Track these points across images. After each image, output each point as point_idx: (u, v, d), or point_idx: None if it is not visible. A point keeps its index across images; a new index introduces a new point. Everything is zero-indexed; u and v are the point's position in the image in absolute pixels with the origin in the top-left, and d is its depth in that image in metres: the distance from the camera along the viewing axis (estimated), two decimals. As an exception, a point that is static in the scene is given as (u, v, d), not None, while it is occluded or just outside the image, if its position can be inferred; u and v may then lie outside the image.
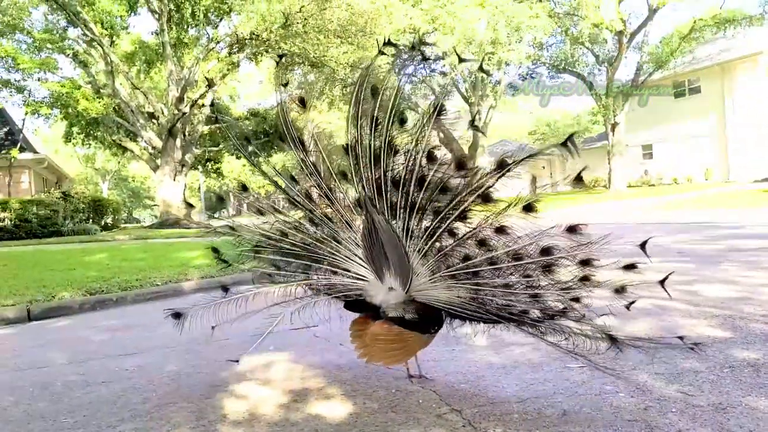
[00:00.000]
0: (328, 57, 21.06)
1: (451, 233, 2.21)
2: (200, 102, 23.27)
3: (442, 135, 21.82)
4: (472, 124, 2.41)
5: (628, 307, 2.13)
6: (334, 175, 2.47)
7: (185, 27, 23.89)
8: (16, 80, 22.17)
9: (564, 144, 1.82)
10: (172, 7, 22.25)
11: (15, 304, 5.27)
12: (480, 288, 2.16)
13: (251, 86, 41.78)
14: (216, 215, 3.24)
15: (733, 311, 3.32)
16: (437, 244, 2.22)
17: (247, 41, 21.45)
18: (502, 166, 2.01)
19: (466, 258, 2.17)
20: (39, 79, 22.44)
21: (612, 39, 27.17)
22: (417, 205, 2.21)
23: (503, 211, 2.08)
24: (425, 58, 2.35)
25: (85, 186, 47.37)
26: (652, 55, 26.98)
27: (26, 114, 23.59)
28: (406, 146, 2.22)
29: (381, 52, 2.31)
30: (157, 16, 22.19)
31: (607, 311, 2.17)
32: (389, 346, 2.28)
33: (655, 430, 1.84)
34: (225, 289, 2.64)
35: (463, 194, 2.11)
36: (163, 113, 23.08)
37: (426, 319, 2.29)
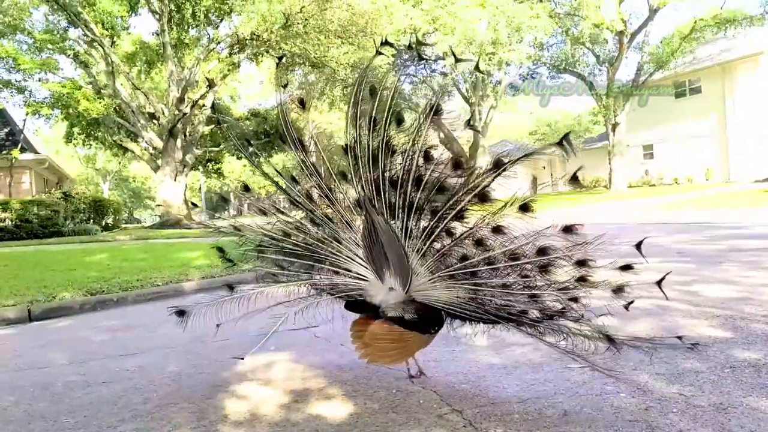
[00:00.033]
0: (329, 57, 21.08)
1: (449, 233, 2.21)
2: (201, 102, 23.29)
3: (442, 135, 21.82)
4: (469, 124, 2.42)
5: (626, 307, 2.13)
6: (333, 176, 2.48)
7: (186, 27, 23.92)
8: (17, 81, 22.23)
9: (560, 143, 1.83)
10: (172, 7, 22.26)
11: (16, 304, 5.28)
12: (479, 288, 2.16)
13: (252, 86, 41.80)
14: (217, 215, 3.25)
15: (733, 311, 3.32)
16: (436, 245, 2.22)
17: (247, 42, 21.46)
18: (498, 166, 2.01)
19: (464, 258, 2.17)
20: (40, 80, 22.49)
21: (612, 39, 27.15)
22: (415, 205, 2.21)
23: (499, 210, 2.08)
24: (422, 58, 2.35)
25: (86, 186, 47.45)
26: (652, 55, 26.96)
27: (27, 114, 23.64)
28: (404, 146, 2.23)
29: (378, 53, 2.32)
30: (157, 16, 22.21)
31: (606, 311, 2.17)
32: (389, 346, 2.28)
33: (656, 430, 1.84)
34: (230, 287, 2.65)
35: (460, 194, 2.12)
36: (163, 114, 23.10)
37: (426, 319, 2.29)
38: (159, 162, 23.29)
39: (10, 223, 16.25)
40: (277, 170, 2.70)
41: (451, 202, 2.13)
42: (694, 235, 8.17)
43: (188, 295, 5.84)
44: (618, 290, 2.07)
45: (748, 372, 2.30)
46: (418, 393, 2.35)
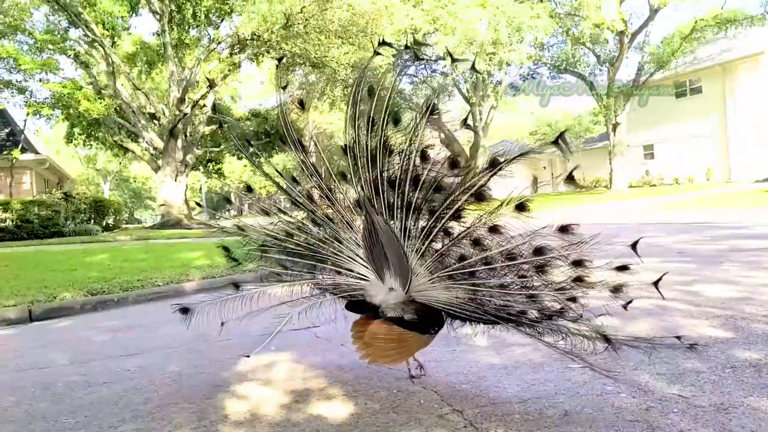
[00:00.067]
0: (329, 57, 21.08)
1: (447, 233, 2.22)
2: (201, 103, 23.31)
3: (443, 135, 21.81)
4: (465, 123, 2.43)
5: (625, 307, 2.13)
6: (333, 176, 2.49)
7: (186, 28, 23.93)
8: (17, 81, 22.25)
9: (555, 142, 1.83)
10: (173, 7, 22.27)
11: (17, 304, 5.28)
12: (477, 288, 2.16)
13: (252, 87, 41.82)
14: (218, 215, 3.25)
15: (734, 311, 3.32)
16: (434, 245, 2.23)
17: (248, 42, 21.48)
18: (494, 165, 2.02)
19: (462, 258, 2.18)
20: (40, 80, 22.52)
21: (613, 39, 27.13)
22: (413, 205, 2.22)
23: (496, 210, 2.09)
24: (419, 58, 2.36)
25: (87, 187, 47.45)
26: (653, 55, 26.94)
27: (28, 115, 23.67)
28: (401, 146, 2.24)
29: (377, 53, 2.33)
30: (158, 16, 22.22)
31: (605, 311, 2.17)
32: (389, 346, 2.28)
33: (656, 430, 1.84)
34: (236, 285, 2.67)
35: (457, 193, 2.12)
36: (164, 114, 23.11)
37: (426, 320, 2.29)
38: (159, 162, 23.31)
39: (10, 223, 16.27)
40: (277, 171, 2.71)
41: (448, 201, 2.14)
42: (695, 235, 8.17)
43: (189, 296, 5.84)
44: (616, 290, 2.07)
45: (749, 372, 2.30)
46: (418, 393, 2.35)
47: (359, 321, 2.44)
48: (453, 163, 2.17)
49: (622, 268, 2.04)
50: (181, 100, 22.31)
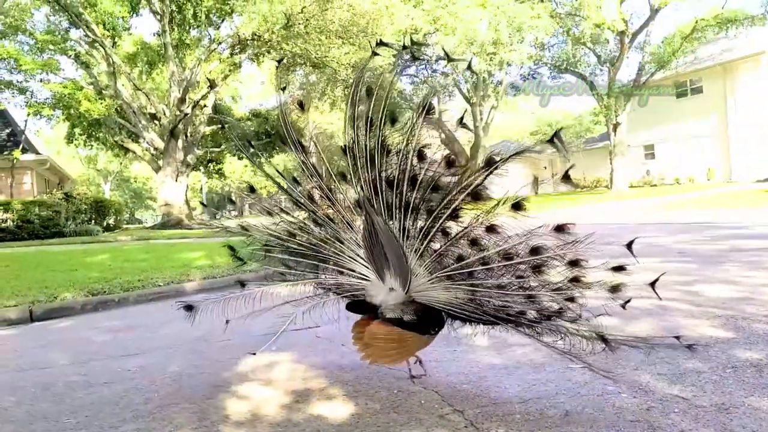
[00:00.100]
0: (330, 57, 21.09)
1: (445, 233, 2.23)
2: (202, 103, 23.32)
3: (443, 135, 21.81)
4: (461, 122, 2.44)
5: (623, 306, 2.12)
6: (333, 177, 2.50)
7: (187, 28, 23.94)
8: (18, 81, 22.27)
9: (551, 140, 1.83)
10: (173, 8, 22.29)
11: (17, 304, 5.28)
12: (476, 289, 2.16)
13: (253, 87, 41.86)
14: (218, 216, 3.26)
15: (735, 311, 3.31)
16: (432, 245, 2.23)
17: (248, 42, 21.48)
18: (490, 164, 2.02)
19: (461, 258, 2.18)
20: (41, 81, 22.55)
21: (614, 39, 27.11)
22: (411, 205, 2.23)
23: (492, 209, 2.09)
24: (416, 58, 2.37)
25: (87, 187, 47.41)
26: (654, 55, 26.91)
27: (28, 115, 23.69)
28: (398, 146, 2.25)
29: (374, 53, 2.34)
30: (158, 17, 22.24)
31: (604, 311, 2.17)
32: (388, 346, 2.29)
33: (657, 430, 1.83)
34: (242, 284, 2.68)
35: (454, 193, 2.13)
36: (165, 114, 23.13)
37: (425, 320, 2.29)
38: (160, 162, 23.32)
39: (11, 223, 16.28)
40: (278, 171, 2.72)
41: (445, 201, 2.15)
42: (696, 235, 8.16)
43: (189, 296, 5.83)
44: (614, 289, 2.07)
45: (750, 372, 2.30)
46: (419, 393, 2.35)
47: (360, 322, 2.44)
48: (450, 163, 2.18)
49: (619, 269, 2.04)
50: (182, 101, 22.32)
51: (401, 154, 2.22)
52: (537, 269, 2.08)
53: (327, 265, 2.54)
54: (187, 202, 24.20)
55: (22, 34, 21.90)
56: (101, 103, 22.47)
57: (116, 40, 23.46)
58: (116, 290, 5.86)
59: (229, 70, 23.33)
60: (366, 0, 18.69)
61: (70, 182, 32.23)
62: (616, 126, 27.63)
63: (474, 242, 2.17)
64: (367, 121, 2.28)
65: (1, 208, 16.56)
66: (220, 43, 23.58)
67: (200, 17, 22.92)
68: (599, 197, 23.82)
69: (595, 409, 2.05)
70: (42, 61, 21.98)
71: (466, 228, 2.15)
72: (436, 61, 26.20)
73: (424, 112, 2.19)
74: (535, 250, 2.06)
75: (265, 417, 2.21)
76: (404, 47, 2.28)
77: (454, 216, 2.17)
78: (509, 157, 1.98)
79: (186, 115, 22.35)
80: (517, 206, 2.02)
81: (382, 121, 2.26)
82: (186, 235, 15.53)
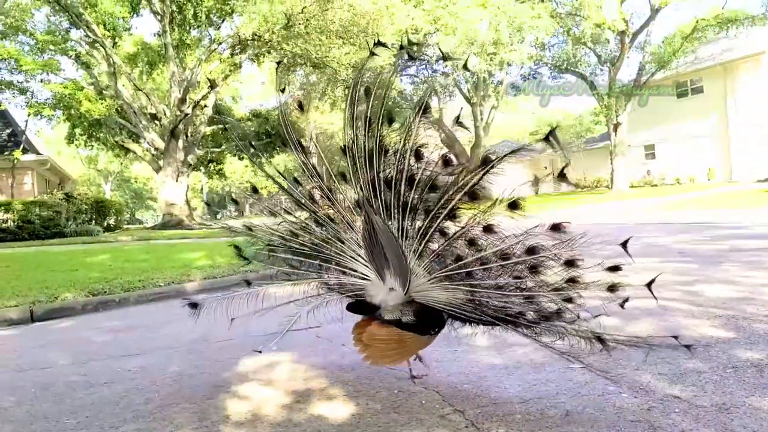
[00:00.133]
0: (330, 58, 21.09)
1: (443, 233, 2.24)
2: (202, 103, 23.33)
3: (444, 135, 21.82)
4: (457, 121, 2.44)
5: (622, 306, 2.11)
6: (333, 177, 2.50)
7: (187, 28, 23.95)
8: (19, 82, 22.26)
9: (546, 139, 1.84)
10: (174, 8, 22.30)
11: (18, 305, 5.29)
12: (474, 289, 2.16)
13: (253, 87, 41.90)
14: (219, 216, 3.27)
15: (735, 311, 3.31)
16: (431, 245, 2.24)
17: (249, 42, 21.49)
18: (485, 163, 2.02)
19: (459, 258, 2.19)
20: (42, 81, 22.53)
21: (614, 39, 27.10)
22: (409, 205, 2.23)
23: (489, 208, 2.09)
24: (412, 57, 2.38)
25: (88, 187, 47.42)
26: (654, 55, 26.91)
27: (29, 115, 23.69)
28: (396, 146, 2.26)
29: (372, 53, 2.35)
30: (159, 17, 22.25)
31: (603, 311, 2.17)
32: (388, 347, 2.29)
33: (658, 430, 1.83)
34: (248, 282, 2.71)
35: (450, 192, 2.13)
36: (165, 114, 23.14)
37: (425, 321, 2.29)
38: (161, 163, 23.34)
39: (12, 223, 16.29)
40: (279, 172, 2.72)
41: (442, 201, 2.15)
42: (696, 235, 8.16)
43: (190, 296, 5.83)
44: (612, 289, 2.06)
45: (751, 372, 2.29)
46: (420, 393, 2.35)
47: (360, 323, 2.44)
48: (446, 162, 2.19)
49: (614, 269, 2.04)
50: (182, 101, 22.33)
51: (399, 154, 2.23)
52: (534, 269, 2.08)
53: (330, 265, 2.55)
54: (187, 202, 24.22)
55: (23, 35, 21.92)
56: (102, 104, 22.46)
57: (117, 40, 23.48)
58: (117, 290, 5.87)
59: (230, 71, 23.34)
60: (366, 0, 18.69)
61: (71, 182, 32.25)
62: (616, 126, 27.63)
63: (471, 242, 2.17)
64: (366, 121, 2.29)
65: (2, 208, 16.58)
66: (220, 43, 23.60)
67: (201, 17, 22.93)
68: (600, 197, 23.81)
69: (596, 409, 2.05)
70: (42, 61, 21.97)
71: (463, 228, 2.16)
72: (437, 61, 26.21)
73: (421, 111, 2.20)
74: (531, 250, 2.06)
75: (265, 417, 2.21)
76: (401, 47, 2.29)
77: (452, 216, 2.18)
78: (504, 156, 1.98)
79: (186, 115, 22.36)
80: (514, 206, 2.03)
81: (380, 121, 2.27)
82: (186, 236, 15.53)
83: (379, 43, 2.32)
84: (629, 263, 2.01)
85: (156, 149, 23.47)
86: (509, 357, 2.76)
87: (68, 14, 20.75)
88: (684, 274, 4.72)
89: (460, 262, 2.17)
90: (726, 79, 28.12)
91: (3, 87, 22.00)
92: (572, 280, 2.05)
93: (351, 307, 2.48)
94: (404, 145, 2.21)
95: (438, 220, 2.18)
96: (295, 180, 2.64)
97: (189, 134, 23.51)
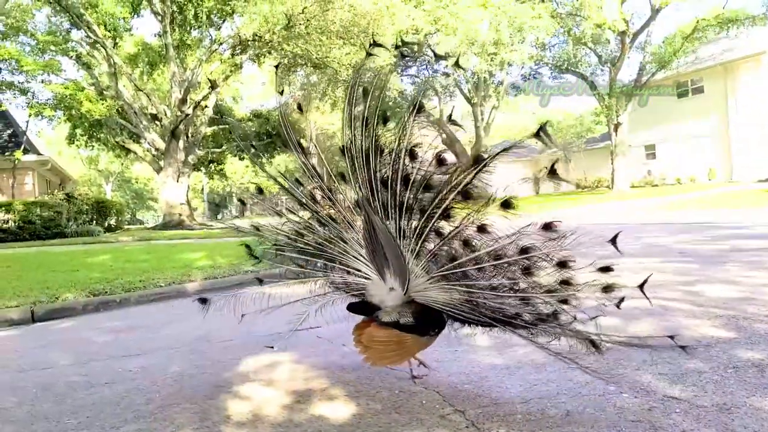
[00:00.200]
0: (331, 58, 21.09)
1: (438, 233, 2.24)
2: (203, 103, 23.35)
3: (444, 136, 21.82)
4: (450, 119, 2.45)
5: (618, 306, 2.11)
6: (333, 177, 2.51)
7: (188, 29, 23.98)
8: (19, 82, 22.27)
9: (537, 134, 1.84)
10: (175, 9, 22.32)
11: (19, 305, 5.29)
12: (470, 290, 2.16)
13: (254, 87, 41.84)
14: (219, 216, 3.28)
15: (736, 311, 3.31)
16: (427, 245, 2.25)
17: (249, 43, 21.50)
18: (478, 162, 2.02)
19: (453, 258, 2.19)
20: (42, 81, 22.54)
21: (615, 39, 27.08)
22: (405, 205, 2.25)
23: (483, 208, 2.10)
24: (404, 56, 2.40)
25: (89, 187, 47.48)
26: (654, 55, 26.89)
27: (30, 116, 23.67)
28: (391, 145, 2.27)
29: (368, 54, 2.35)
30: (160, 18, 22.26)
31: (601, 312, 2.17)
32: (387, 348, 2.29)
33: (659, 430, 1.83)
34: (260, 281, 2.75)
35: (444, 192, 2.14)
36: (166, 115, 23.16)
37: (424, 322, 2.29)
38: (161, 163, 23.35)
39: (13, 224, 16.30)
40: (280, 172, 2.74)
41: (437, 200, 2.16)
42: (697, 235, 8.15)
43: (191, 296, 5.83)
44: (607, 289, 2.06)
45: (752, 372, 2.29)
46: (420, 393, 2.35)
47: (360, 324, 2.44)
48: (440, 161, 2.20)
49: (606, 270, 2.04)
50: (183, 101, 22.35)
51: (394, 154, 2.24)
52: (526, 271, 2.09)
53: (334, 265, 2.56)
54: (188, 202, 24.24)
55: (24, 35, 21.95)
56: (102, 104, 22.47)
57: (117, 40, 23.51)
58: (117, 291, 5.87)
59: (230, 71, 23.37)
60: (367, 0, 18.70)
61: (72, 183, 32.28)
62: (617, 126, 27.61)
63: (466, 243, 2.18)
64: (364, 122, 2.30)
65: (3, 208, 16.58)
66: (221, 43, 23.62)
67: (201, 18, 22.95)
68: (600, 197, 23.81)
69: (597, 409, 2.05)
70: (43, 61, 21.99)
71: (457, 228, 2.17)
72: (437, 61, 26.22)
73: (415, 111, 2.21)
74: (523, 251, 2.07)
75: (266, 417, 2.22)
76: (396, 47, 2.30)
77: (446, 216, 2.19)
78: (497, 154, 1.99)
79: (187, 115, 22.38)
80: (507, 205, 2.03)
81: (375, 121, 2.28)
82: (187, 236, 15.53)
83: (375, 44, 2.32)
84: (627, 264, 2.01)
85: (157, 150, 23.49)
86: (510, 357, 2.76)
87: (69, 15, 20.77)
88: (685, 274, 4.72)
89: (455, 262, 2.17)
90: (726, 79, 28.10)
91: (4, 87, 22.02)
92: (565, 282, 2.05)
93: (351, 307, 2.49)
94: (399, 144, 2.22)
95: (433, 220, 2.19)
96: (297, 180, 2.66)
97: (190, 135, 23.53)
